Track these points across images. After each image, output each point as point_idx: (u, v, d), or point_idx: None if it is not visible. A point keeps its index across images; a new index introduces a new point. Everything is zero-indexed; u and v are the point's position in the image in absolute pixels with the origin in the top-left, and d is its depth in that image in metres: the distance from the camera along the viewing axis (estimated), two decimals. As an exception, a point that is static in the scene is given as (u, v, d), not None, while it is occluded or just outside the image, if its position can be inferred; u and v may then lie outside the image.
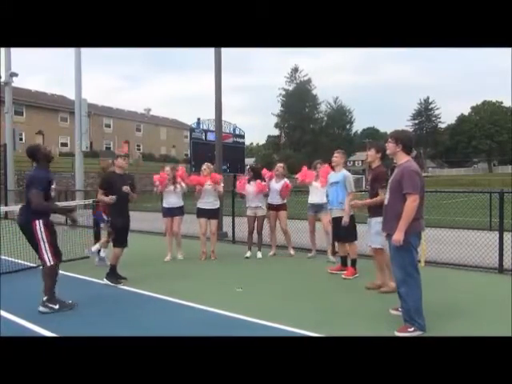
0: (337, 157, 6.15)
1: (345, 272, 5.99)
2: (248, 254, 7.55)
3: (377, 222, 4.91)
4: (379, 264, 5.20)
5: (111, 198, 5.57)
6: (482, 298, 4.96)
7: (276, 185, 7.50)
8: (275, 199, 7.53)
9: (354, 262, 5.98)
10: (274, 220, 7.61)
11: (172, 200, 7.29)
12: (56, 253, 4.54)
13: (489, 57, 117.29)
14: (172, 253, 7.41)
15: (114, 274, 5.71)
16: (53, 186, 4.53)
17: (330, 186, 6.17)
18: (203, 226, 7.38)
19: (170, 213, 7.32)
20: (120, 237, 5.71)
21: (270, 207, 7.61)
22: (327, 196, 6.35)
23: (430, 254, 6.73)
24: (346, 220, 5.72)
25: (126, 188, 5.60)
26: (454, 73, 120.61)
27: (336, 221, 6.00)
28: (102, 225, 7.30)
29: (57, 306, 4.50)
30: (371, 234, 5.12)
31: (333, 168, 6.34)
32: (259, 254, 7.52)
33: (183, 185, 7.33)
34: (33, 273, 6.53)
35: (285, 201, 7.59)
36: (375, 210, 4.99)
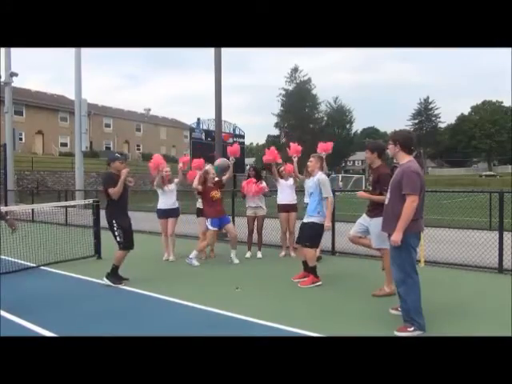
0: (311, 161, 5.66)
1: (303, 280, 5.55)
2: (248, 254, 7.54)
3: (379, 222, 4.84)
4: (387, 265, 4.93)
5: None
6: (482, 298, 4.96)
7: (286, 183, 7.42)
8: (288, 199, 7.37)
9: (313, 270, 5.51)
10: (287, 223, 7.42)
11: (168, 201, 7.29)
12: None
13: (489, 57, 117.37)
14: (169, 252, 7.42)
15: (115, 275, 5.67)
16: None
17: (308, 195, 5.72)
18: (203, 224, 7.39)
19: (165, 214, 7.32)
20: (128, 238, 5.66)
21: (282, 208, 7.40)
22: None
23: (430, 254, 6.73)
24: (327, 225, 5.42)
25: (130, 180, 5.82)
26: (454, 72, 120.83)
27: (304, 225, 5.61)
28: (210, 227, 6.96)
29: None
30: (375, 235, 4.97)
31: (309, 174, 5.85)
32: (259, 254, 7.52)
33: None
34: (33, 273, 6.54)
35: (296, 201, 7.47)
36: (377, 210, 4.92)
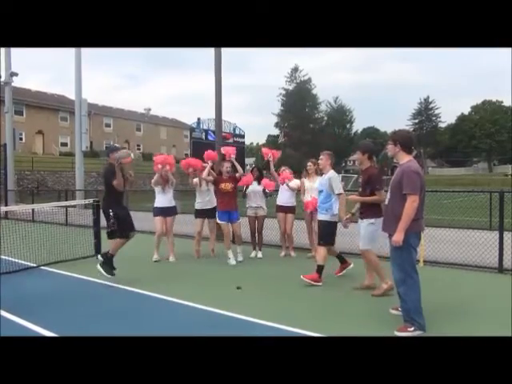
0: (322, 159, 5.67)
1: (308, 274, 5.50)
2: (253, 254, 7.56)
3: (368, 224, 4.92)
4: (368, 265, 5.19)
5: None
6: (482, 298, 4.97)
7: (286, 186, 7.41)
8: (285, 201, 7.41)
9: (320, 269, 5.45)
10: (284, 223, 7.43)
11: (164, 200, 7.28)
12: None
13: (489, 57, 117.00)
14: (159, 252, 7.32)
15: (110, 264, 5.66)
16: None
17: (318, 193, 5.81)
18: (199, 225, 7.39)
19: (162, 212, 7.29)
20: (125, 227, 5.67)
21: (280, 209, 7.46)
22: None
23: (430, 254, 6.73)
24: (345, 223, 5.38)
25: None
26: (454, 72, 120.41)
27: (319, 223, 5.68)
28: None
29: None
30: (362, 235, 5.05)
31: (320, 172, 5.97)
32: (259, 254, 7.53)
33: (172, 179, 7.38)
34: (33, 273, 6.55)
35: (294, 203, 7.48)
36: (368, 211, 4.97)
